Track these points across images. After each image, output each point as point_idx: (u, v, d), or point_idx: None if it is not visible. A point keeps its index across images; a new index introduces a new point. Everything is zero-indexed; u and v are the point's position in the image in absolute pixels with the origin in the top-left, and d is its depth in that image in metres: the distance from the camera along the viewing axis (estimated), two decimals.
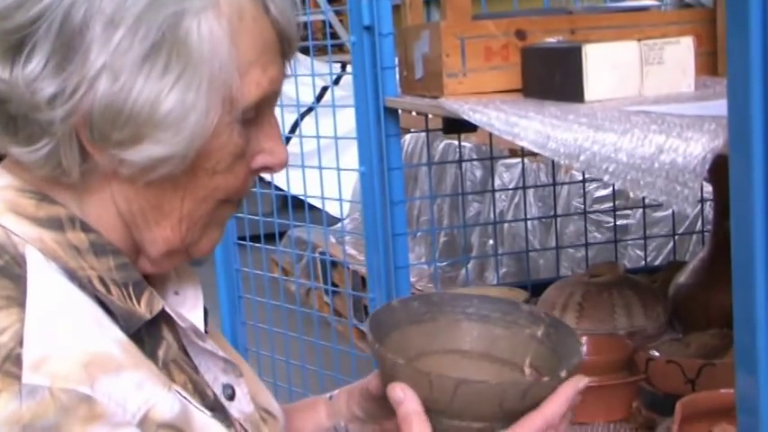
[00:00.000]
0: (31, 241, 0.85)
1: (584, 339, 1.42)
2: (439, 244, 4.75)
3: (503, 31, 1.49)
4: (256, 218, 2.42)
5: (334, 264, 4.02)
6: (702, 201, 2.09)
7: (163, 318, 0.91)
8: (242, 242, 2.50)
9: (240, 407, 0.98)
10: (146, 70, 0.81)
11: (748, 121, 0.71)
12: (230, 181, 0.90)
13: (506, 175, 4.03)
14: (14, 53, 0.82)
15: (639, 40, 1.27)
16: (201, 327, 0.96)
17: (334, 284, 4.12)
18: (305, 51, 2.23)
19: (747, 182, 0.72)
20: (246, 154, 0.91)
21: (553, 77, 1.34)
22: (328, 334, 2.60)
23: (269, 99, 0.91)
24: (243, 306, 2.44)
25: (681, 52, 1.28)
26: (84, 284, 0.85)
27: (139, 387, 0.82)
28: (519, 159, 3.12)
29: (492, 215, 4.27)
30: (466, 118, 1.32)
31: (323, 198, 2.29)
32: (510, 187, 3.88)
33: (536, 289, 1.75)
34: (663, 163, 0.87)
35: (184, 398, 0.87)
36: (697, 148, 0.84)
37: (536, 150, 1.05)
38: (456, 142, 2.83)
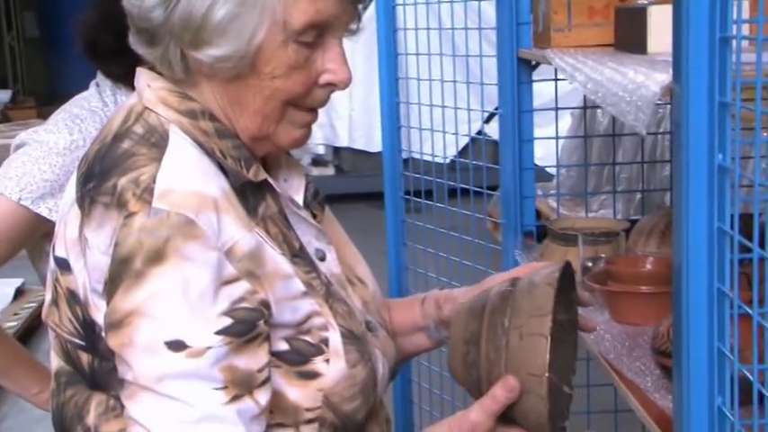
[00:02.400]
0: (174, 122, 1.17)
1: (650, 259, 1.68)
2: (635, 201, 4.92)
3: None
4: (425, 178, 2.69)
5: None
6: None
7: (266, 186, 1.21)
8: (407, 197, 2.68)
9: (329, 267, 1.26)
10: None
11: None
12: (290, 86, 1.16)
13: None
14: None
15: None
16: (300, 201, 1.26)
17: None
18: None
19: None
20: (308, 70, 1.16)
21: (631, 33, 1.58)
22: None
23: (323, 26, 1.14)
24: (405, 253, 2.70)
25: None
26: (207, 152, 1.16)
27: (229, 225, 1.11)
28: None
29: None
30: (553, 64, 1.60)
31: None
32: None
33: None
34: (634, 93, 1.14)
35: (262, 238, 1.15)
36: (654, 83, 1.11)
37: (574, 83, 1.33)
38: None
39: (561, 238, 1.93)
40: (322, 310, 1.20)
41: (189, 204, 1.09)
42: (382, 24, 2.55)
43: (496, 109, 2.20)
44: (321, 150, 7.84)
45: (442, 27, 2.59)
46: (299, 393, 1.17)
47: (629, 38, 1.58)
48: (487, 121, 6.40)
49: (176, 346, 1.06)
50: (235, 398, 1.09)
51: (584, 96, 4.84)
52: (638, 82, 1.14)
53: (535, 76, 2.13)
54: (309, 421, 1.18)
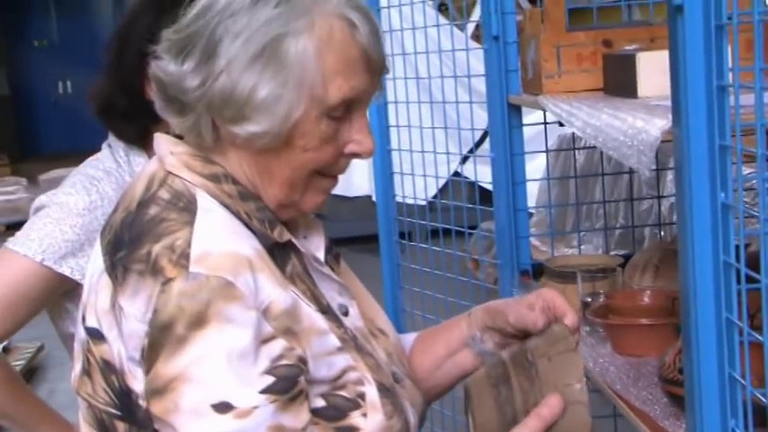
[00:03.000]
0: (199, 186, 1.19)
1: (648, 292, 1.75)
2: (615, 236, 5.03)
3: (591, 40, 1.83)
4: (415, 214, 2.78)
5: None
6: None
7: (291, 247, 1.23)
8: (402, 240, 2.76)
9: (353, 321, 1.28)
10: (249, 70, 1.14)
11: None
12: (320, 157, 1.19)
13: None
14: (179, 55, 1.18)
15: None
16: (322, 258, 1.27)
17: None
18: None
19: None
20: (337, 141, 1.20)
21: (621, 78, 1.67)
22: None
23: (355, 102, 1.19)
24: (402, 296, 2.76)
25: None
26: (235, 214, 1.19)
27: (265, 284, 1.13)
28: None
29: (659, 209, 4.51)
30: (547, 109, 1.68)
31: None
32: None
33: None
34: (635, 138, 1.21)
35: (297, 295, 1.18)
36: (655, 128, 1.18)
37: (570, 128, 1.41)
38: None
39: (558, 275, 2.00)
40: (357, 364, 1.22)
41: (226, 266, 1.11)
42: None
43: (470, 151, 2.28)
44: None
45: (419, 77, 2.69)
46: None
47: (619, 83, 1.67)
48: (463, 162, 6.51)
49: (223, 407, 1.08)
50: None
51: (558, 136, 4.90)
52: (638, 127, 1.21)
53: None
54: None
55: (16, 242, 1.64)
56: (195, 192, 1.20)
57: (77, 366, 1.22)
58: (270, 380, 1.11)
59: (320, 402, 1.19)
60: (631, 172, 2.76)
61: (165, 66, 1.20)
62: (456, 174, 5.55)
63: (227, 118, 1.18)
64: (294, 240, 1.24)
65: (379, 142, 2.65)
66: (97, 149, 1.80)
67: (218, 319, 1.08)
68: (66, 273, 1.63)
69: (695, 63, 1.04)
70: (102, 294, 1.16)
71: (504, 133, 2.14)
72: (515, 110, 2.14)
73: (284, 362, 1.13)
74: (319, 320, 1.20)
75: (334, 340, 1.20)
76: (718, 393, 1.07)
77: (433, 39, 2.83)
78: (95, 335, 1.17)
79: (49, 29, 14.16)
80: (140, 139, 1.70)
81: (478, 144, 6.50)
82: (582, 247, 5.06)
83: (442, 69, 2.96)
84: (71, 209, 1.66)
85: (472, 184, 3.12)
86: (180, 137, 1.26)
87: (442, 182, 4.97)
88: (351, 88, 1.18)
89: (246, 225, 1.20)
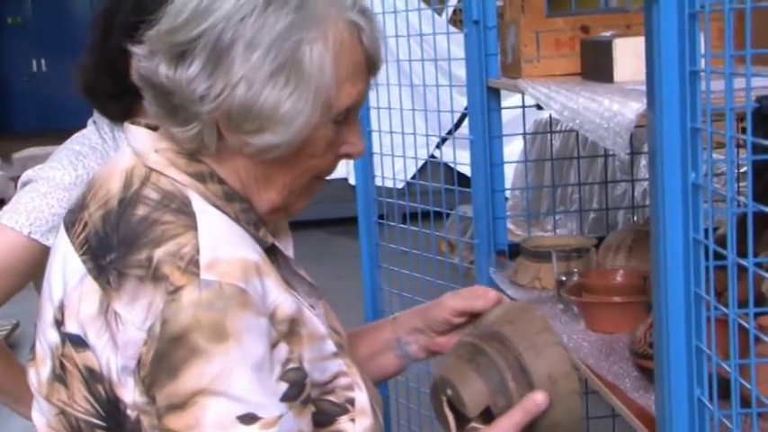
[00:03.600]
0: (189, 187, 1.14)
1: (620, 272, 1.80)
2: (589, 220, 5.10)
3: (570, 26, 1.88)
4: (396, 203, 2.83)
5: None
6: None
7: (275, 249, 1.20)
8: (381, 221, 2.79)
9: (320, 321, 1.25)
10: (272, 83, 1.10)
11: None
12: (322, 163, 1.19)
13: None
14: (178, 60, 1.11)
15: None
16: (292, 256, 1.23)
17: None
18: None
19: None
20: (335, 144, 1.18)
21: (598, 63, 1.72)
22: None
23: (356, 105, 1.19)
24: (380, 275, 2.79)
25: None
26: (230, 217, 1.15)
27: (271, 289, 1.11)
28: None
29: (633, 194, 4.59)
30: (526, 93, 1.72)
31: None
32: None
33: None
34: (611, 120, 1.26)
35: (299, 300, 1.18)
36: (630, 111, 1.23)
37: (549, 111, 1.45)
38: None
39: (534, 255, 2.06)
40: (349, 370, 1.22)
41: (236, 273, 1.08)
42: None
43: (449, 133, 2.33)
44: None
45: (399, 59, 2.73)
46: None
47: (596, 68, 1.72)
48: (439, 146, 6.56)
49: (249, 419, 1.06)
50: None
51: (534, 121, 4.95)
52: (615, 110, 1.26)
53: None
54: None
55: (3, 216, 1.67)
56: (187, 192, 1.16)
57: (44, 371, 1.18)
58: (284, 386, 1.11)
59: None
60: (606, 156, 2.83)
61: (161, 69, 1.13)
62: (432, 157, 5.61)
63: (245, 130, 1.14)
64: (276, 243, 1.22)
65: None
66: (71, 128, 1.83)
67: (237, 329, 1.06)
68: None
69: (669, 49, 1.09)
70: (88, 300, 1.11)
71: (482, 116, 2.19)
72: (494, 93, 2.19)
73: (291, 365, 1.13)
74: (319, 326, 1.20)
75: (330, 345, 1.21)
76: (685, 365, 1.12)
77: (412, 24, 2.87)
78: (77, 341, 1.13)
79: (23, 6, 14.06)
80: (124, 117, 1.73)
81: (455, 128, 6.56)
82: (557, 231, 5.15)
83: (422, 54, 3.01)
84: (58, 183, 1.69)
85: (448, 167, 3.18)
86: (154, 128, 1.22)
87: (419, 164, 5.03)
88: (358, 93, 1.17)
89: (243, 228, 1.17)
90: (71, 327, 1.13)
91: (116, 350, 1.09)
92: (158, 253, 1.08)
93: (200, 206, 1.14)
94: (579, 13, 1.95)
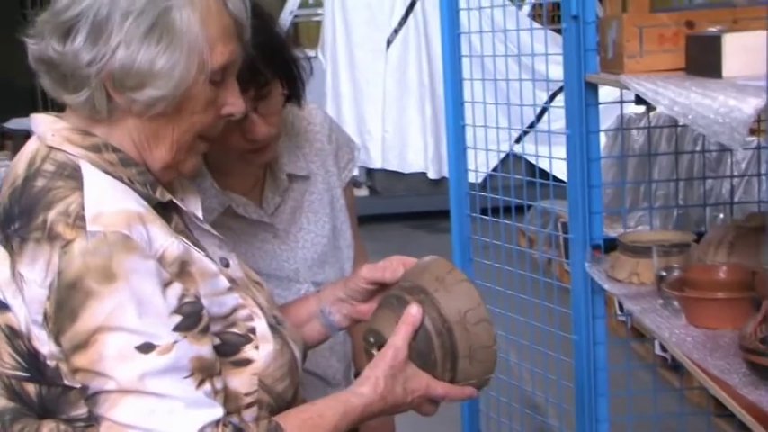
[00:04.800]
0: (82, 158, 1.29)
1: (724, 267, 1.80)
2: (674, 217, 5.04)
3: (674, 22, 1.87)
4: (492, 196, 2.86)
5: None
6: None
7: (173, 206, 1.37)
8: (482, 216, 2.79)
9: (234, 272, 1.41)
10: (146, 42, 1.27)
11: None
12: (204, 120, 1.35)
13: (740, 153, 4.25)
14: (65, 35, 1.27)
15: None
16: (201, 216, 1.41)
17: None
18: (560, 32, 2.29)
19: None
20: (216, 104, 1.35)
21: (704, 58, 1.71)
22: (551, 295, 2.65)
23: (230, 66, 1.35)
24: (473, 268, 2.79)
25: None
26: (117, 179, 1.29)
27: (157, 235, 1.25)
28: (755, 138, 3.14)
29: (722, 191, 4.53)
30: (630, 88, 1.73)
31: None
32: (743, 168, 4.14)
33: None
34: (727, 116, 1.26)
35: (186, 243, 1.31)
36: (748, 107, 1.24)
37: (658, 107, 1.46)
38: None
39: (632, 250, 2.06)
40: (246, 302, 1.36)
41: (120, 222, 1.22)
42: (447, 51, 2.69)
43: (530, 127, 2.33)
44: (355, 172, 7.93)
45: (510, 53, 2.75)
46: (236, 381, 1.31)
47: (702, 63, 1.71)
48: (517, 141, 6.55)
49: (146, 348, 1.19)
50: (202, 382, 1.23)
51: (616, 117, 4.90)
52: (731, 105, 1.27)
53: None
54: (249, 405, 1.31)
55: None
56: (78, 162, 1.29)
57: None
58: (178, 318, 1.23)
59: (215, 340, 1.30)
60: (703, 151, 2.81)
61: (50, 47, 1.28)
62: (513, 153, 5.60)
63: (128, 87, 1.29)
64: (176, 200, 1.38)
65: (452, 117, 2.72)
66: None
67: (123, 270, 1.19)
68: None
69: None
70: (1, 267, 1.25)
71: (580, 111, 2.19)
72: (592, 88, 2.19)
73: (187, 299, 1.25)
74: (209, 264, 1.34)
75: (223, 281, 1.34)
76: None
77: (495, 20, 2.88)
78: None
79: None
80: None
81: (534, 123, 6.55)
82: (638, 228, 5.10)
83: (506, 50, 3.02)
84: None
85: (527, 162, 3.17)
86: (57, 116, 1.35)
87: (497, 160, 5.03)
88: (230, 53, 1.33)
89: (130, 187, 1.31)
90: None
91: (27, 307, 1.22)
92: (51, 215, 1.22)
93: (89, 170, 1.29)
94: (683, 8, 1.94)
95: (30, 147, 1.35)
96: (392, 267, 1.52)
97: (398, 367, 1.37)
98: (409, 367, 1.38)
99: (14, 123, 6.53)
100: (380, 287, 1.55)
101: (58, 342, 1.21)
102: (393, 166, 8.02)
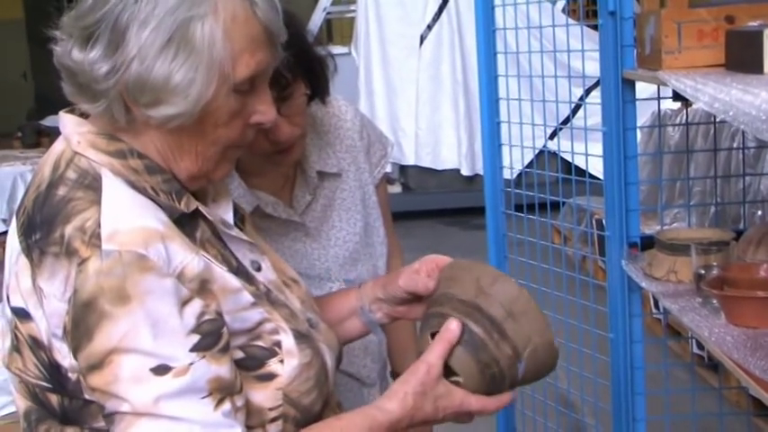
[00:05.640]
0: (104, 165, 1.25)
1: (764, 266, 1.77)
2: (710, 214, 4.99)
3: (714, 17, 1.85)
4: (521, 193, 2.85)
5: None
6: None
7: (199, 214, 1.32)
8: (517, 213, 2.79)
9: (266, 275, 1.38)
10: (162, 57, 1.20)
11: None
12: (230, 132, 1.28)
13: None
14: (86, 42, 1.22)
15: None
16: (230, 220, 1.36)
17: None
18: (595, 28, 2.31)
19: None
20: (243, 114, 1.28)
21: (745, 54, 1.69)
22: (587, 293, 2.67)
23: (259, 75, 1.28)
24: (508, 266, 2.79)
25: None
26: (140, 190, 1.25)
27: (176, 252, 1.21)
28: None
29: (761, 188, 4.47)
30: (668, 85, 1.71)
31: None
32: None
33: None
34: None
35: (208, 259, 1.26)
36: None
37: (698, 103, 1.44)
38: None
39: (669, 247, 2.04)
40: (272, 316, 1.32)
41: (136, 240, 1.18)
42: (482, 48, 2.68)
43: (564, 123, 2.30)
44: (388, 168, 7.95)
45: (545, 49, 2.72)
46: (260, 395, 1.28)
47: (743, 59, 1.69)
48: (551, 137, 6.51)
49: (162, 370, 1.17)
50: (221, 401, 1.20)
51: (651, 113, 4.85)
52: None
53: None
54: (273, 420, 1.29)
55: None
56: (100, 170, 1.25)
57: (6, 342, 1.29)
58: (196, 338, 1.20)
59: (239, 354, 1.28)
60: (743, 148, 2.78)
61: (71, 53, 1.24)
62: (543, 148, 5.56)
63: (142, 102, 1.23)
64: (201, 208, 1.32)
65: (487, 114, 2.71)
66: None
67: (137, 290, 1.16)
68: None
69: None
70: (23, 276, 1.23)
71: (617, 107, 2.17)
72: (629, 85, 2.17)
73: (206, 317, 1.22)
74: (231, 280, 1.29)
75: (247, 296, 1.30)
76: None
77: (530, 17, 2.86)
78: (21, 314, 1.24)
79: None
80: None
81: (568, 120, 6.51)
82: (674, 225, 5.06)
83: (541, 47, 2.99)
84: None
85: (561, 159, 3.15)
86: (86, 114, 1.31)
87: (532, 156, 4.99)
88: (257, 63, 1.26)
89: (152, 199, 1.26)
90: (16, 301, 1.25)
91: (47, 320, 1.20)
92: (68, 229, 1.19)
93: (109, 182, 1.25)
94: (723, 2, 1.91)
95: (57, 148, 1.31)
96: (425, 282, 1.48)
97: (430, 384, 1.34)
98: (441, 385, 1.35)
99: (50, 121, 6.60)
100: (417, 297, 1.52)
101: (76, 358, 1.20)
102: (426, 162, 8.01)
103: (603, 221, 2.31)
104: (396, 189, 8.05)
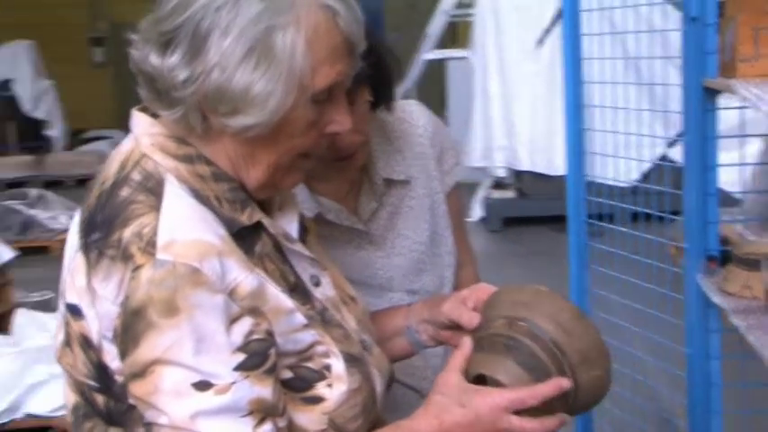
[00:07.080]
0: (170, 170, 1.24)
1: None
2: None
3: None
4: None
5: None
6: None
7: (262, 226, 1.30)
8: (595, 222, 2.74)
9: (324, 291, 1.36)
10: (243, 67, 1.19)
11: None
12: (305, 142, 1.27)
13: None
14: (164, 48, 1.20)
15: None
16: (294, 234, 1.34)
17: None
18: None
19: None
20: (319, 123, 1.26)
21: None
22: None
23: (338, 85, 1.26)
24: (588, 275, 2.76)
25: None
26: (202, 199, 1.24)
27: (231, 268, 1.19)
28: None
29: None
30: (736, 93, 1.65)
31: None
32: None
33: None
34: None
35: (263, 278, 1.24)
36: None
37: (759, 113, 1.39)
38: None
39: (744, 262, 1.97)
40: (323, 339, 1.29)
41: (191, 253, 1.17)
42: (568, 54, 2.64)
43: (680, 135, 2.25)
44: (502, 173, 7.90)
45: (627, 56, 2.67)
46: (305, 418, 1.26)
47: None
48: (671, 145, 6.34)
49: (203, 386, 1.16)
50: (262, 421, 1.19)
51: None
52: None
53: (724, 101, 2.17)
54: None
55: None
56: (164, 175, 1.25)
57: (60, 336, 1.29)
58: (242, 357, 1.18)
59: (287, 374, 1.26)
60: None
61: (149, 58, 1.23)
62: (663, 158, 5.43)
63: (221, 112, 1.22)
64: (264, 220, 1.30)
65: (572, 121, 2.67)
66: None
67: (187, 304, 1.15)
68: None
69: None
70: (78, 274, 1.23)
71: (697, 117, 2.11)
72: (710, 93, 2.11)
73: (255, 337, 1.20)
74: (285, 300, 1.26)
75: (299, 318, 1.27)
76: None
77: (647, 17, 2.79)
78: (75, 311, 1.24)
79: None
80: None
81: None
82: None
83: (658, 50, 2.91)
84: None
85: (678, 169, 3.08)
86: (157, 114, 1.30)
87: (646, 165, 4.85)
88: (336, 74, 1.25)
89: (214, 210, 1.25)
90: (70, 297, 1.25)
91: (99, 321, 1.21)
92: (126, 234, 1.19)
93: (172, 188, 1.24)
94: None
95: (126, 146, 1.31)
96: (469, 316, 1.42)
97: (448, 387, 1.30)
98: (462, 385, 1.30)
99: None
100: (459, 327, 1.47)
101: (122, 362, 1.21)
102: (541, 168, 7.90)
103: (684, 234, 2.24)
104: (510, 194, 7.97)
